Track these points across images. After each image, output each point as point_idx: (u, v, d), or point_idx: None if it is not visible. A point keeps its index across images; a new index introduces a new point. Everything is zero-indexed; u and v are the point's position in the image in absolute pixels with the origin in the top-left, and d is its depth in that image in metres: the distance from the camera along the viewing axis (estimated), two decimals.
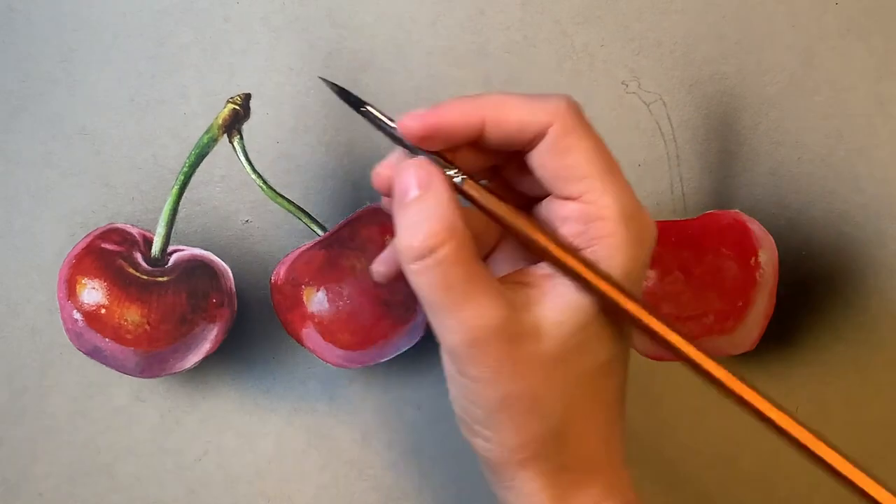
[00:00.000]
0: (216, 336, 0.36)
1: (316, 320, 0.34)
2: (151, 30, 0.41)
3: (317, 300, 0.34)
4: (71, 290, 0.34)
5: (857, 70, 0.41)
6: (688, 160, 0.40)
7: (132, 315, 0.33)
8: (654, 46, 0.41)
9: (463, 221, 0.26)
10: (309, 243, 0.35)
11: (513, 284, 0.27)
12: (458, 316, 0.26)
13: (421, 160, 0.27)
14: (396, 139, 0.28)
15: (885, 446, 0.39)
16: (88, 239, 0.35)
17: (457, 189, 0.27)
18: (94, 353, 0.34)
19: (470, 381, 0.27)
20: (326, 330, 0.34)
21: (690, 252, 0.36)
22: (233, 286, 0.36)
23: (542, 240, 0.27)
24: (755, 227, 0.37)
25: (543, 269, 0.28)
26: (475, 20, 0.41)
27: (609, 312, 0.27)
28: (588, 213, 0.27)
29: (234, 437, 0.39)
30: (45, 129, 0.41)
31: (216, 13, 0.41)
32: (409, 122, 0.27)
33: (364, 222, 0.35)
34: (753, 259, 0.36)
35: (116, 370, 0.35)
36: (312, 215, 0.36)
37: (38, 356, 0.39)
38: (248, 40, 0.41)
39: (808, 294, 0.40)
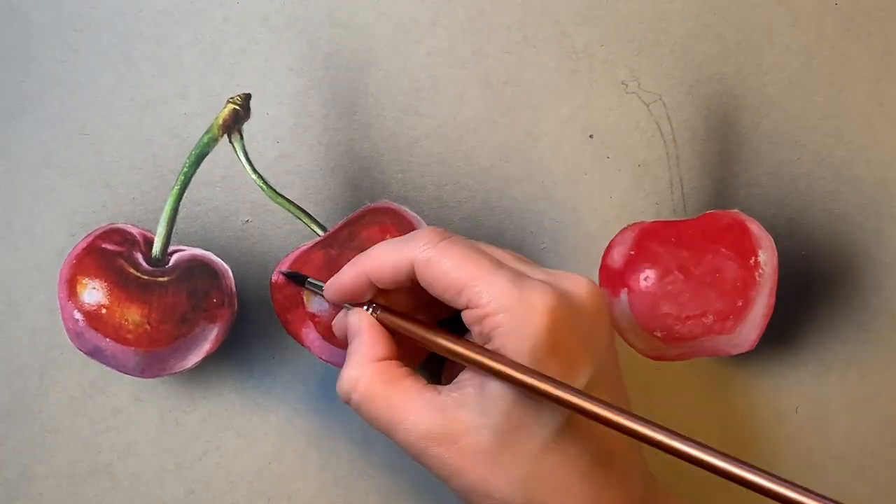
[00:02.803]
0: (216, 336, 0.36)
1: (316, 320, 0.34)
2: (151, 30, 0.41)
3: (317, 300, 0.34)
4: (71, 290, 0.34)
5: (857, 70, 0.41)
6: (688, 160, 0.40)
7: (133, 315, 0.33)
8: (654, 46, 0.41)
9: (383, 356, 0.31)
10: (309, 243, 0.35)
11: (452, 387, 0.31)
12: (395, 436, 0.31)
13: (354, 312, 0.32)
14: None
15: (884, 446, 0.39)
16: (89, 239, 0.35)
17: (378, 318, 0.32)
18: (95, 353, 0.34)
19: (438, 479, 0.31)
20: (326, 330, 0.34)
21: (690, 252, 0.36)
22: (233, 286, 0.36)
23: (444, 344, 0.30)
24: (755, 227, 0.37)
25: (471, 372, 0.30)
26: (475, 20, 0.41)
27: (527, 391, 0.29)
28: (476, 315, 0.29)
29: (234, 437, 0.39)
30: (45, 129, 0.41)
31: (216, 13, 0.41)
32: (328, 297, 0.33)
33: (364, 222, 0.35)
34: (753, 259, 0.36)
35: (117, 370, 0.35)
36: (312, 215, 0.36)
37: (38, 356, 0.39)
38: (247, 40, 0.41)
39: (808, 294, 0.40)
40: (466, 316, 0.30)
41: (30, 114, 0.41)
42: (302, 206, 0.36)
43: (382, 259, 0.32)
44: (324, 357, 0.35)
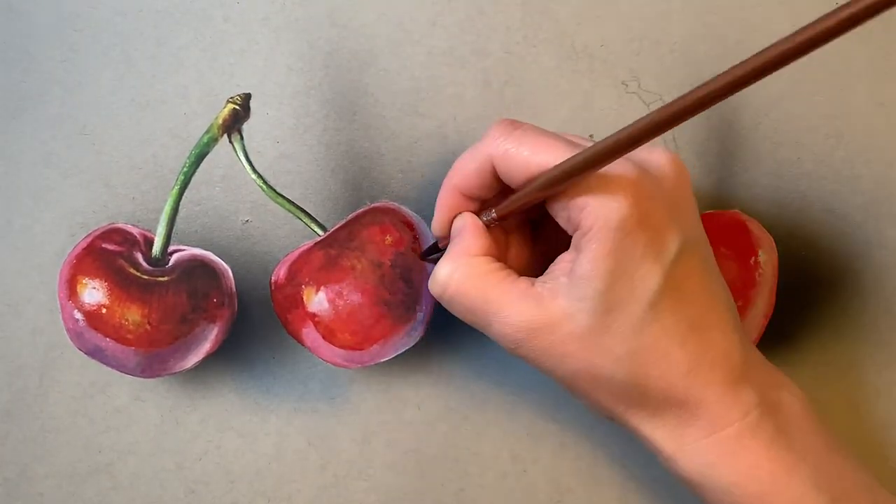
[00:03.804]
0: (216, 336, 0.36)
1: (316, 320, 0.34)
2: (151, 30, 0.41)
3: (317, 300, 0.34)
4: (72, 290, 0.34)
5: (857, 70, 0.41)
6: (688, 160, 0.40)
7: (133, 315, 0.33)
8: (654, 46, 0.41)
9: (479, 252, 0.32)
10: (309, 243, 0.35)
11: (543, 280, 0.31)
12: (492, 328, 0.31)
13: (460, 215, 0.33)
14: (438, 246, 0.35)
15: (885, 446, 0.39)
16: (89, 239, 0.35)
17: (495, 219, 0.32)
18: (95, 353, 0.34)
19: (540, 371, 0.31)
20: (326, 330, 0.34)
21: None
22: (233, 286, 0.37)
23: (557, 171, 0.29)
24: (755, 227, 0.37)
25: (562, 260, 0.31)
26: (475, 20, 0.41)
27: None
28: (561, 199, 0.30)
29: (234, 437, 0.39)
30: (45, 129, 0.41)
31: (216, 13, 0.41)
32: (436, 233, 0.34)
33: (364, 222, 0.35)
34: (753, 259, 0.36)
35: (117, 370, 0.35)
36: (312, 215, 0.36)
37: (38, 356, 0.39)
38: (247, 40, 0.41)
39: (808, 294, 0.40)
40: (552, 203, 0.31)
41: (30, 114, 0.41)
42: (302, 206, 0.36)
43: (464, 167, 0.32)
44: (324, 357, 0.35)
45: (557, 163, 0.29)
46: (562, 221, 0.31)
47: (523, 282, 0.31)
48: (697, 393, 0.30)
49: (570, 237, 0.31)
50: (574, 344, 0.30)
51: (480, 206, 0.34)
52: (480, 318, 0.31)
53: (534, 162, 0.30)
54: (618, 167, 0.29)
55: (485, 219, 0.33)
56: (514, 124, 0.31)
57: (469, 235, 0.32)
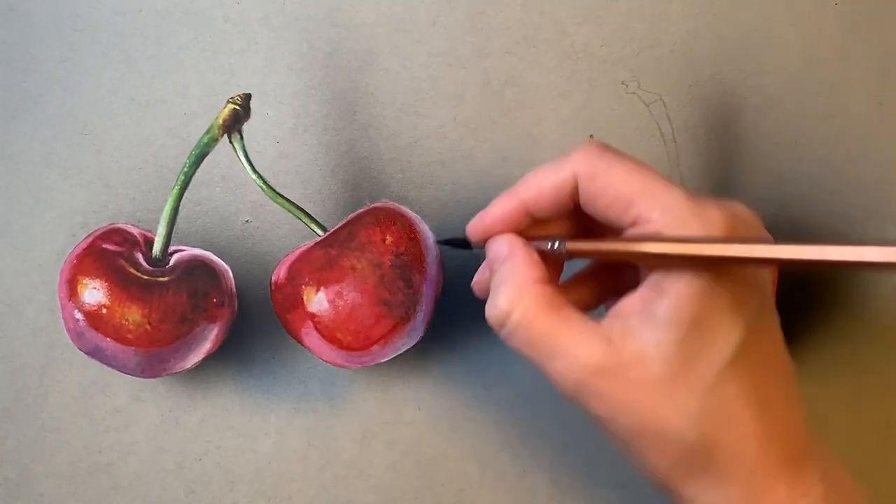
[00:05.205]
0: (216, 336, 0.36)
1: (316, 320, 0.34)
2: (151, 30, 0.41)
3: (317, 300, 0.34)
4: (72, 290, 0.34)
5: (857, 70, 0.41)
6: (688, 160, 0.40)
7: (133, 315, 0.33)
8: (654, 46, 0.41)
9: (542, 280, 0.29)
10: (309, 243, 0.35)
11: (612, 319, 0.28)
12: (553, 365, 0.28)
13: (502, 237, 0.30)
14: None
15: (885, 447, 0.39)
16: (90, 239, 0.35)
17: (563, 254, 0.30)
18: (95, 353, 0.34)
19: (596, 420, 0.28)
20: (326, 330, 0.34)
21: None
22: (233, 286, 0.37)
23: (647, 247, 0.27)
24: None
25: (635, 299, 0.28)
26: (475, 20, 0.41)
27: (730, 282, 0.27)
28: (645, 231, 0.27)
29: (234, 437, 0.39)
30: (45, 129, 0.41)
31: (216, 13, 0.41)
32: (472, 236, 0.31)
33: (364, 222, 0.35)
34: None
35: (117, 370, 0.35)
36: (312, 215, 0.36)
37: (38, 356, 0.39)
38: (248, 40, 0.41)
39: (808, 294, 0.40)
40: (633, 234, 0.28)
41: (30, 114, 0.41)
42: (302, 206, 0.36)
43: (541, 182, 0.29)
44: (324, 357, 0.35)
45: (649, 195, 0.27)
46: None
47: (591, 320, 0.28)
48: (767, 467, 0.27)
49: (633, 273, 0.29)
50: (643, 392, 0.27)
51: (529, 228, 0.30)
52: (543, 352, 0.28)
53: (623, 188, 0.28)
54: (714, 207, 0.27)
55: (547, 247, 0.30)
56: (606, 146, 0.29)
57: (527, 260, 0.29)
